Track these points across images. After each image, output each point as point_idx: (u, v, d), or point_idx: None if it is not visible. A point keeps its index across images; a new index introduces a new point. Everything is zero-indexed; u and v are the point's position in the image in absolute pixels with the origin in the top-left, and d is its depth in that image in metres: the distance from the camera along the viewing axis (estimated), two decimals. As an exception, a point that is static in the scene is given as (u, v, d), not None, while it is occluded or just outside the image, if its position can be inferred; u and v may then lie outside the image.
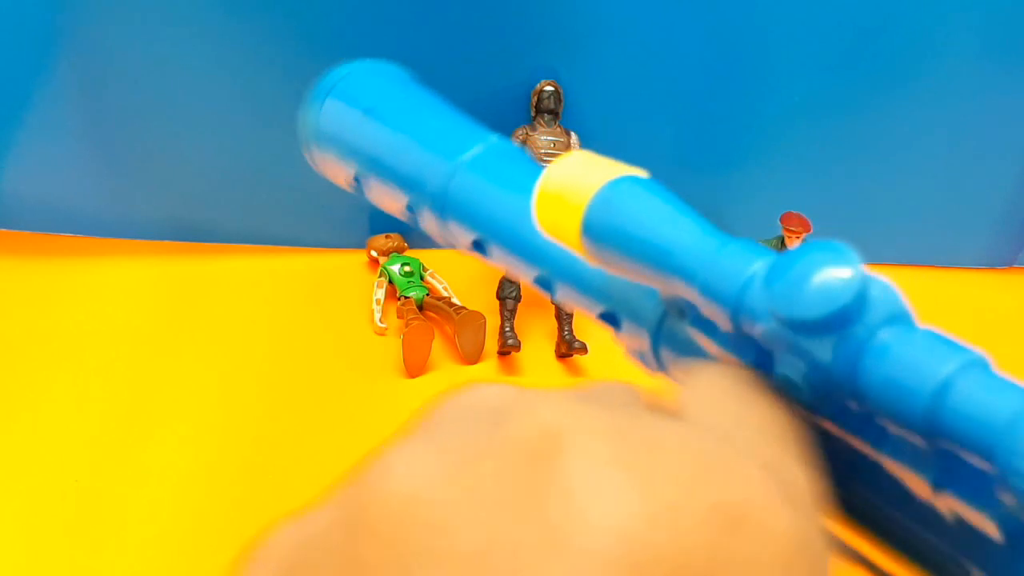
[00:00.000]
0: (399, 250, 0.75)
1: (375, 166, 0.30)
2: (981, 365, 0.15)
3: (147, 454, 0.57)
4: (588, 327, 0.67)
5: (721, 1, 0.69)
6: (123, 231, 0.77)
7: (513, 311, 0.66)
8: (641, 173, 0.21)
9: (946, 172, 0.74)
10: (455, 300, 0.69)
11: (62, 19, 0.68)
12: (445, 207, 0.28)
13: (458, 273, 0.73)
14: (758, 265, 0.18)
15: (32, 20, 0.67)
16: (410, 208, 0.29)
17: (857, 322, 0.16)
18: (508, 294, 0.66)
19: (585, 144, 0.71)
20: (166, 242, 0.77)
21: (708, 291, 0.18)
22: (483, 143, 0.28)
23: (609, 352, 0.71)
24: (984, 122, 0.71)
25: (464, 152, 0.27)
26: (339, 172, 0.32)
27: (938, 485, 0.16)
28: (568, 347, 0.65)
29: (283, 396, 0.62)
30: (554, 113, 0.70)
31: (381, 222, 0.77)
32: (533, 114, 0.71)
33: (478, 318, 0.65)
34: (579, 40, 0.70)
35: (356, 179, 0.31)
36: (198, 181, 0.75)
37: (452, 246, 0.29)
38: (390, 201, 0.30)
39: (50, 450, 0.57)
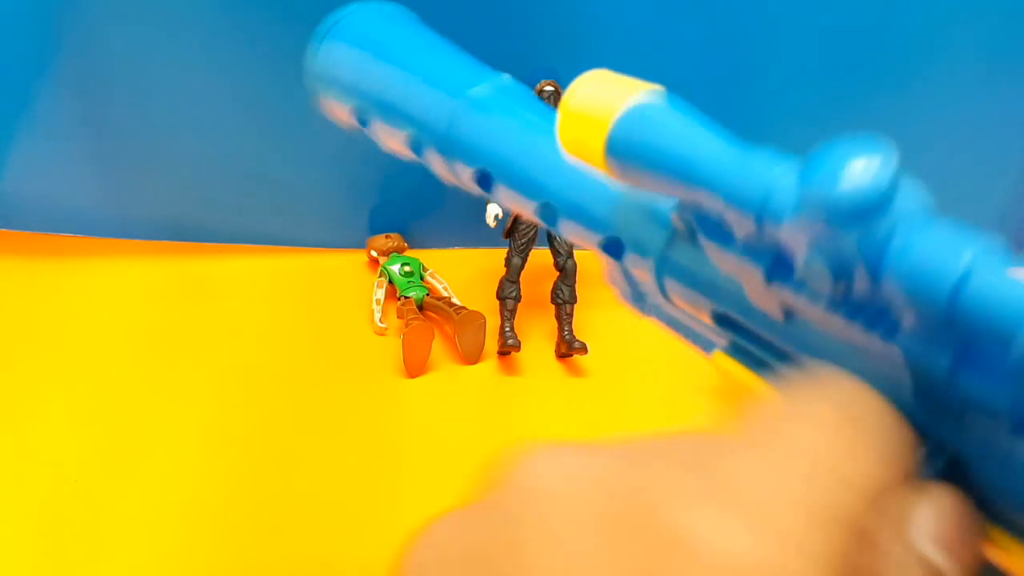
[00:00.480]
0: (399, 250, 0.75)
1: (378, 104, 0.30)
2: (1003, 252, 0.16)
3: (146, 454, 0.57)
4: (588, 327, 0.67)
5: (721, 2, 0.69)
6: (123, 231, 0.77)
7: (513, 311, 0.66)
8: (658, 88, 0.22)
9: (945, 172, 0.73)
10: (455, 300, 0.69)
11: (61, 19, 0.68)
12: (450, 141, 0.28)
13: (458, 273, 0.73)
14: (783, 168, 0.18)
15: (31, 20, 0.67)
16: (414, 145, 0.29)
17: (889, 210, 0.16)
18: (508, 294, 0.66)
19: None
20: (165, 242, 0.77)
21: (733, 197, 0.19)
22: (491, 82, 0.28)
23: (609, 352, 0.71)
24: (984, 122, 0.71)
25: (470, 89, 0.28)
26: (343, 113, 0.32)
27: (952, 371, 0.16)
28: (568, 347, 0.65)
29: (283, 396, 0.62)
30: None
31: (381, 222, 0.77)
32: (533, 114, 0.71)
33: (478, 318, 0.65)
34: (579, 40, 0.70)
35: (360, 119, 0.31)
36: (198, 181, 0.75)
37: (455, 182, 0.29)
38: (394, 141, 0.30)
39: (49, 450, 0.57)
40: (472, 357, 0.65)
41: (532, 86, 0.71)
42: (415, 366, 0.64)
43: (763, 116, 0.73)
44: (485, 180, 0.28)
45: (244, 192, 0.75)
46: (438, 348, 0.66)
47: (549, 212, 0.26)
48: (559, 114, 0.22)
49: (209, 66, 0.70)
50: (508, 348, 0.64)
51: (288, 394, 0.62)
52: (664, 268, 0.24)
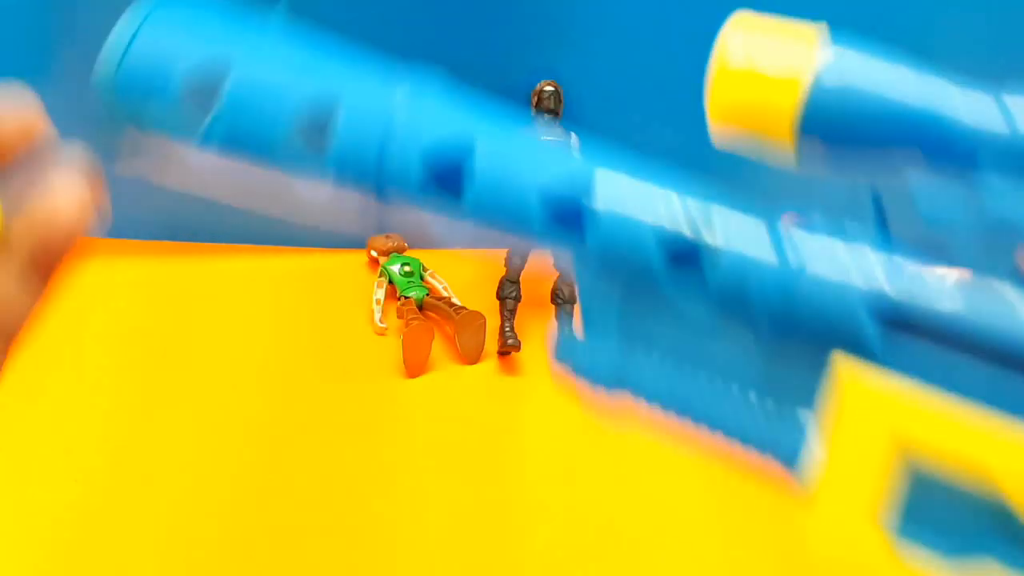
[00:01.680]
0: (399, 250, 0.75)
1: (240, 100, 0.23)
2: None
3: (147, 454, 0.57)
4: (588, 327, 0.67)
5: (721, 1, 0.69)
6: (123, 231, 0.77)
7: (513, 311, 0.66)
8: (823, 27, 0.18)
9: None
10: (455, 300, 0.69)
11: (60, 17, 0.68)
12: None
13: (458, 273, 0.73)
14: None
15: (31, 20, 0.67)
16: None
17: None
18: (508, 294, 0.66)
19: (585, 144, 0.71)
20: (166, 242, 0.77)
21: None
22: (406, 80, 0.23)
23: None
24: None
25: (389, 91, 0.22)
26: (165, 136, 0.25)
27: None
28: (568, 347, 0.65)
29: (283, 396, 0.62)
30: (554, 113, 0.70)
31: (381, 222, 0.76)
32: (533, 114, 0.71)
33: (478, 318, 0.65)
34: (579, 40, 0.70)
35: (207, 132, 0.23)
36: (198, 181, 0.75)
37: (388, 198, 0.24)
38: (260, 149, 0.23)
39: (50, 450, 0.57)
40: (472, 357, 0.65)
41: (532, 86, 0.71)
42: (415, 366, 0.64)
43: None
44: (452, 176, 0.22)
45: (244, 192, 0.75)
46: (438, 348, 0.66)
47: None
48: (711, 75, 0.18)
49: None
50: (508, 348, 0.64)
51: (288, 394, 0.62)
52: None
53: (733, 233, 0.19)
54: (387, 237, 0.75)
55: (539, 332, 0.69)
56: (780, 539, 0.52)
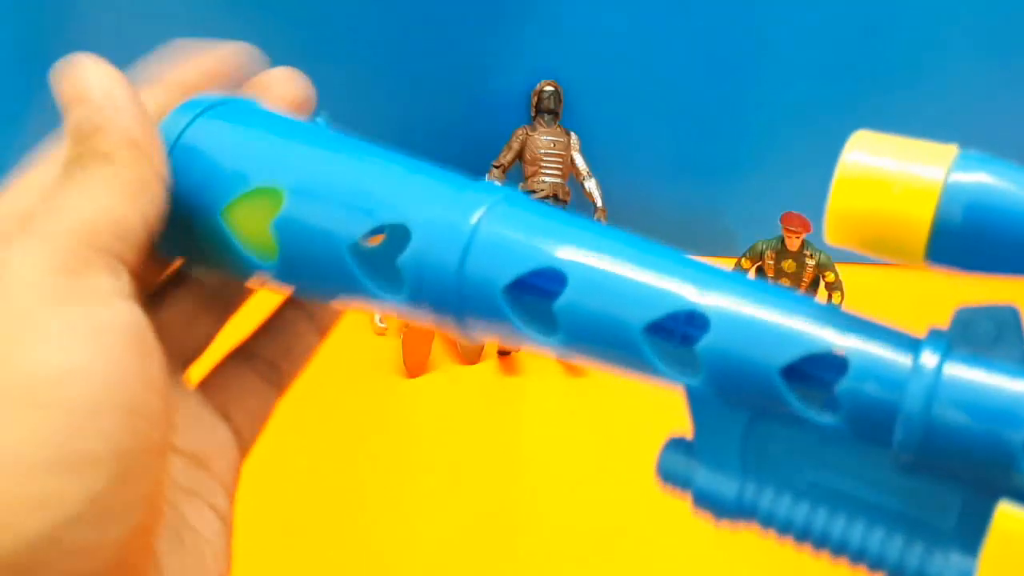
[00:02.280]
0: (399, 250, 0.75)
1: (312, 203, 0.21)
2: None
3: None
4: (588, 327, 0.67)
5: (721, 2, 0.69)
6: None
7: (513, 311, 0.66)
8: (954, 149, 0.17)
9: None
10: (455, 300, 0.69)
11: (60, 18, 0.68)
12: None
13: (458, 273, 0.73)
14: None
15: (30, 19, 0.67)
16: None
17: None
18: (508, 294, 0.66)
19: (585, 144, 0.71)
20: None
21: None
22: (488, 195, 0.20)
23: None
24: (984, 122, 0.71)
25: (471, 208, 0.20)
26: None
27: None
28: (568, 347, 0.65)
29: (282, 396, 0.62)
30: (554, 113, 0.70)
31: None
32: (533, 114, 0.71)
33: (478, 318, 0.65)
34: (579, 40, 0.70)
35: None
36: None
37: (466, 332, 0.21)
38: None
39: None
40: (472, 357, 0.65)
41: (532, 86, 0.71)
42: (415, 366, 0.64)
43: (762, 116, 0.73)
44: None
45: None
46: (438, 348, 0.66)
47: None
48: (834, 182, 0.17)
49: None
50: (508, 348, 0.64)
51: (288, 394, 0.62)
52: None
53: (868, 349, 0.17)
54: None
55: (539, 332, 0.68)
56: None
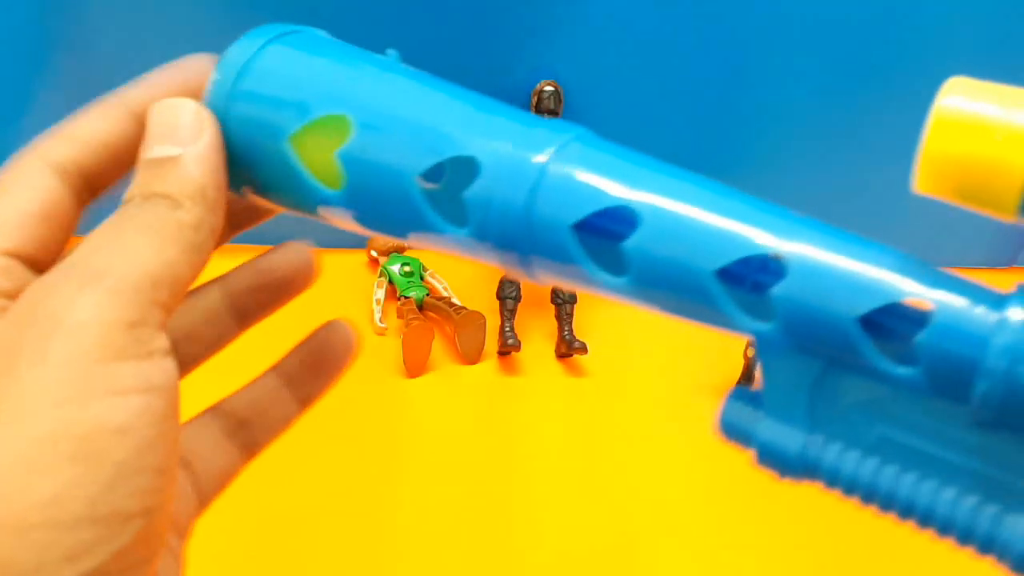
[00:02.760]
0: (399, 250, 0.75)
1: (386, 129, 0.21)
2: None
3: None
4: (588, 327, 0.67)
5: (722, 2, 0.69)
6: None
7: (513, 311, 0.66)
8: None
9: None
10: (455, 300, 0.69)
11: (60, 19, 0.68)
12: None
13: (458, 273, 0.73)
14: None
15: (30, 21, 0.67)
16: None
17: None
18: (508, 294, 0.66)
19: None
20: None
21: None
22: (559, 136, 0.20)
23: (609, 352, 0.71)
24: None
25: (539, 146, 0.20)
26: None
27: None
28: (568, 347, 0.65)
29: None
30: (554, 113, 0.70)
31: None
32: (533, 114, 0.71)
33: (478, 318, 0.65)
34: (579, 40, 0.70)
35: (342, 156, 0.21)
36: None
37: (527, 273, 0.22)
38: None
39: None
40: (472, 357, 0.65)
41: (532, 86, 0.71)
42: (415, 366, 0.64)
43: (762, 115, 0.73)
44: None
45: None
46: (438, 348, 0.66)
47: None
48: (929, 125, 0.17)
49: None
50: (508, 348, 0.64)
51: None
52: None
53: (951, 301, 0.17)
54: (387, 237, 0.75)
55: (539, 332, 0.68)
56: (778, 539, 0.52)
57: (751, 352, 0.62)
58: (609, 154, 0.20)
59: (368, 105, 0.21)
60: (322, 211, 0.23)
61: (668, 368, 0.65)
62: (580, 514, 0.54)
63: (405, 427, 0.60)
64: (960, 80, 0.17)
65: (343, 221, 0.23)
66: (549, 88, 0.70)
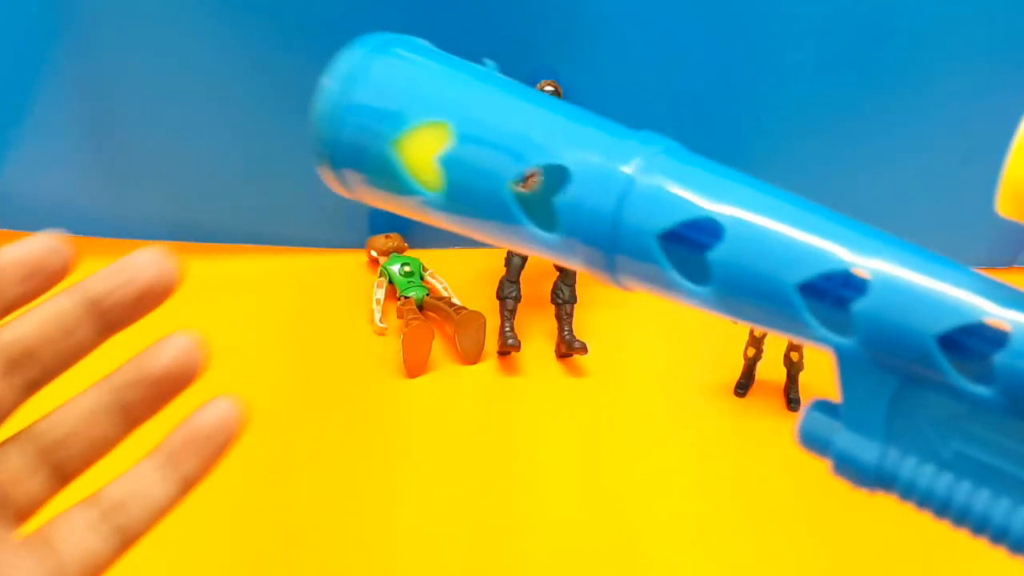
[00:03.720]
0: (399, 250, 0.75)
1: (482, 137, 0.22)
2: None
3: (146, 453, 0.57)
4: (588, 327, 0.67)
5: (721, 1, 0.69)
6: (123, 231, 0.77)
7: (513, 311, 0.66)
8: None
9: (946, 172, 0.73)
10: (455, 300, 0.69)
11: (62, 20, 0.68)
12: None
13: (458, 273, 0.73)
14: None
15: (31, 22, 0.67)
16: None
17: None
18: (508, 294, 0.66)
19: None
20: (166, 242, 0.77)
21: None
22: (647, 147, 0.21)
23: (609, 352, 0.71)
24: (984, 122, 0.71)
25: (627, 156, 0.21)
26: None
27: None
28: (568, 347, 0.65)
29: (283, 396, 0.62)
30: (554, 113, 0.70)
31: (381, 222, 0.77)
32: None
33: (478, 318, 0.65)
34: (579, 40, 0.70)
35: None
36: (198, 181, 0.75)
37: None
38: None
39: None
40: (472, 357, 0.65)
41: (532, 86, 0.71)
42: (415, 366, 0.64)
43: (762, 115, 0.73)
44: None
45: (244, 192, 0.75)
46: (438, 348, 0.66)
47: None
48: (1010, 159, 0.17)
49: (209, 67, 0.70)
50: (508, 348, 0.64)
51: (288, 394, 0.62)
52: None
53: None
54: (387, 237, 0.75)
55: (539, 332, 0.68)
56: (778, 538, 0.52)
57: (751, 352, 0.62)
58: (696, 166, 0.21)
59: (467, 113, 0.22)
60: (422, 212, 0.24)
61: (668, 368, 0.65)
62: (580, 513, 0.54)
63: (405, 427, 0.60)
64: None
65: (440, 221, 0.24)
66: (549, 88, 0.70)
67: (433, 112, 0.22)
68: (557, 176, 0.21)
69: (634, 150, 0.21)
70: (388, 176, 0.23)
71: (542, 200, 0.22)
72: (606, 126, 0.22)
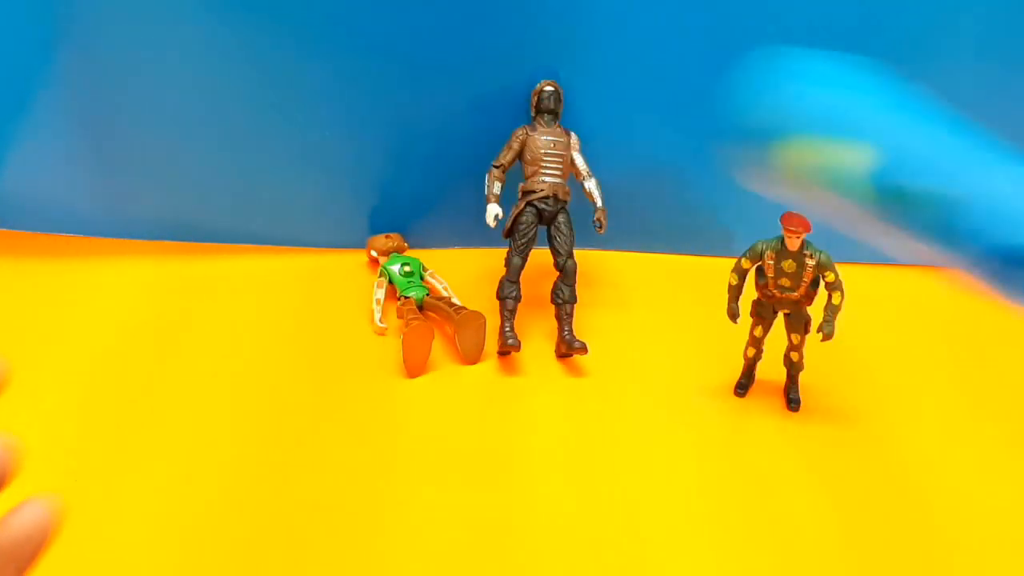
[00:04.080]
0: (399, 250, 0.75)
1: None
2: None
3: (146, 452, 0.57)
4: (588, 327, 0.67)
5: (721, 2, 0.69)
6: (122, 231, 0.77)
7: (513, 311, 0.66)
8: None
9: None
10: (455, 300, 0.69)
11: (61, 20, 0.68)
12: None
13: (458, 273, 0.73)
14: None
15: (30, 23, 0.67)
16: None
17: None
18: (508, 294, 0.66)
19: (585, 144, 0.71)
20: (166, 242, 0.77)
21: None
22: None
23: (609, 352, 0.71)
24: (984, 122, 0.71)
25: None
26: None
27: None
28: (568, 347, 0.65)
29: (283, 395, 0.62)
30: (554, 113, 0.70)
31: (381, 222, 0.77)
32: (533, 114, 0.71)
33: (478, 318, 0.65)
34: (579, 40, 0.70)
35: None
36: (198, 181, 0.75)
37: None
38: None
39: (49, 449, 0.57)
40: (472, 357, 0.65)
41: (532, 86, 0.71)
42: (415, 366, 0.64)
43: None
44: None
45: (244, 192, 0.75)
46: (438, 348, 0.66)
47: None
48: None
49: (209, 68, 0.70)
50: (508, 348, 0.64)
51: (288, 393, 0.62)
52: None
53: None
54: (387, 237, 0.75)
55: (539, 332, 0.68)
56: (777, 537, 0.52)
57: (751, 352, 0.62)
58: None
59: (892, 136, 0.26)
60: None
61: (668, 368, 0.65)
62: (580, 513, 0.54)
63: (405, 427, 0.60)
64: None
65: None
66: (549, 88, 0.70)
67: (855, 132, 0.27)
68: (959, 202, 0.25)
69: None
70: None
71: (945, 220, 0.25)
72: (1005, 154, 0.26)
